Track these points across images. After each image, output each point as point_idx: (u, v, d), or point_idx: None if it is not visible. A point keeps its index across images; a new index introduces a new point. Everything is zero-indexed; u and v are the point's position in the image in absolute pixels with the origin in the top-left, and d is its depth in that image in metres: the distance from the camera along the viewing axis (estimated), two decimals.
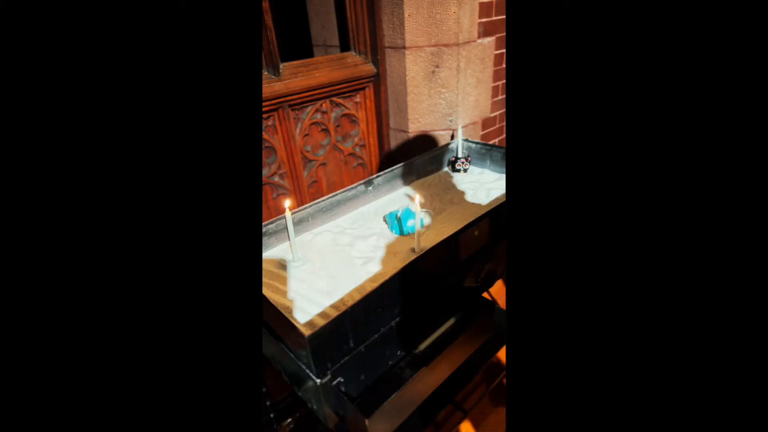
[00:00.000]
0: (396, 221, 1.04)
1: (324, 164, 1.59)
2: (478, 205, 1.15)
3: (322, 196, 1.27)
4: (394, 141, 1.74)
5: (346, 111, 1.58)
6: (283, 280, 0.90)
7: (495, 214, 0.97)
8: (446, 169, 1.41)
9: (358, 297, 0.72)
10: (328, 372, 0.72)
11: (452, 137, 1.48)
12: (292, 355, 0.75)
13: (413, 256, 0.84)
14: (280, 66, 1.34)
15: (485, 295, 1.55)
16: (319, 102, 1.48)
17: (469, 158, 1.36)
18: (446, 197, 1.22)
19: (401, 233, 1.04)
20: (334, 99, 1.52)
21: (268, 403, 1.16)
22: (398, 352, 0.86)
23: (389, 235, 1.04)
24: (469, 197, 1.21)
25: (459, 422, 1.31)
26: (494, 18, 1.64)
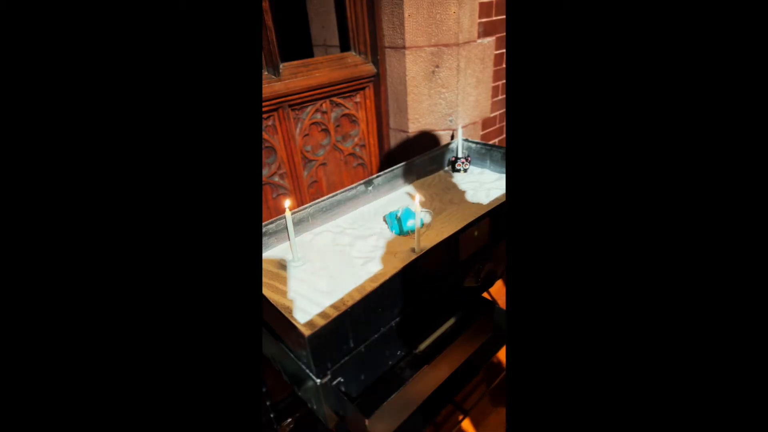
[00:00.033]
0: (396, 221, 1.04)
1: (324, 164, 1.59)
2: (478, 205, 1.15)
3: (322, 196, 1.27)
4: (394, 141, 1.74)
5: (346, 111, 1.58)
6: (283, 280, 0.90)
7: (495, 214, 0.97)
8: (446, 169, 1.41)
9: (358, 297, 0.72)
10: (328, 372, 0.72)
11: (452, 137, 1.48)
12: (292, 355, 0.75)
13: (413, 256, 0.84)
14: (280, 66, 1.34)
15: (485, 295, 1.55)
16: (319, 102, 1.48)
17: (469, 158, 1.36)
18: (446, 197, 1.22)
19: (401, 233, 1.04)
20: (334, 99, 1.52)
21: (268, 403, 1.16)
22: (398, 352, 0.86)
23: (389, 235, 1.04)
24: (469, 197, 1.21)
25: (459, 422, 1.31)
26: (494, 18, 1.64)
